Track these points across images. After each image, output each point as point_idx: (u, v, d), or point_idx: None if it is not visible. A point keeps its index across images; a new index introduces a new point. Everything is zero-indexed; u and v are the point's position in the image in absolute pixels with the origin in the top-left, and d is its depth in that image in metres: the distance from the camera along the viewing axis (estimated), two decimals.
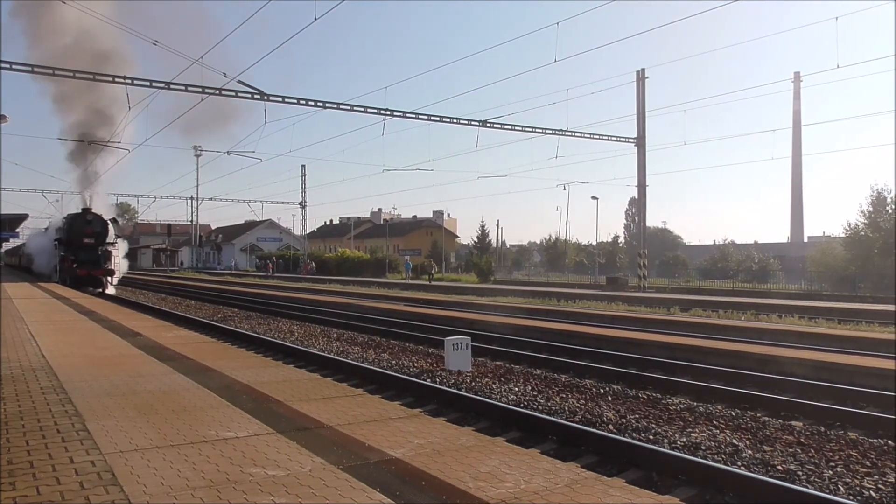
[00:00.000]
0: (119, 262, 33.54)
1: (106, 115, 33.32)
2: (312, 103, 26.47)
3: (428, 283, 42.53)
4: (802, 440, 6.85)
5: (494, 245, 77.22)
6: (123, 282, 37.55)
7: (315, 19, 19.22)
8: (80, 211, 33.01)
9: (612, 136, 32.68)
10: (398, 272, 59.72)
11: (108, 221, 32.86)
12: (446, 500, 3.44)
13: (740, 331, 14.58)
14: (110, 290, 31.22)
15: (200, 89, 23.95)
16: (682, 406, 8.44)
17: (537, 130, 31.16)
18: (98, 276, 30.95)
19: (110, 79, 23.10)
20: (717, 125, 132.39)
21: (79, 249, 30.99)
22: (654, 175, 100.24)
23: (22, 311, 14.85)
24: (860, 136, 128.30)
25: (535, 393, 9.17)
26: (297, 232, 76.59)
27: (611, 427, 7.31)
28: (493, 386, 9.61)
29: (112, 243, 32.46)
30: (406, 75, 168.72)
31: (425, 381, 9.77)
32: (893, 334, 13.23)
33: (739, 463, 6.10)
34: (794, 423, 7.64)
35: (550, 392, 9.24)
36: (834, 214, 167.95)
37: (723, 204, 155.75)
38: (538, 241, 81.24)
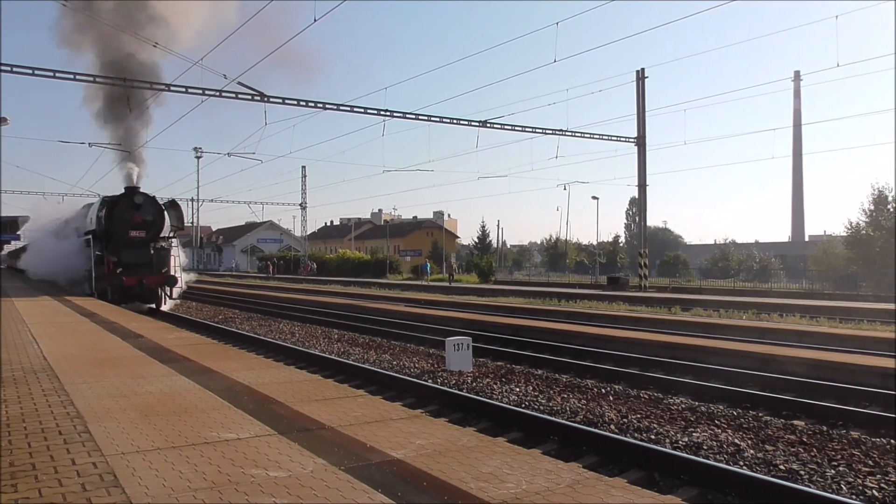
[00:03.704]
0: (179, 267, 23.42)
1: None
2: (312, 104, 26.47)
3: (448, 284, 41.96)
4: (804, 439, 6.84)
5: (495, 245, 77.23)
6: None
7: (315, 20, 19.24)
8: (122, 192, 22.77)
9: (612, 136, 32.65)
10: (399, 273, 59.73)
11: (163, 207, 23.10)
12: (448, 500, 3.44)
13: (742, 330, 14.57)
14: (167, 306, 22.46)
15: (201, 91, 23.95)
16: (683, 406, 8.44)
17: (537, 130, 31.14)
18: (152, 287, 21.79)
19: (110, 81, 23.07)
20: (717, 124, 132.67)
21: (123, 247, 21.63)
22: (654, 175, 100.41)
23: (23, 313, 14.85)
24: (861, 135, 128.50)
25: (536, 393, 9.17)
26: (298, 233, 76.66)
27: (612, 427, 7.31)
28: (495, 386, 9.60)
29: (169, 237, 23.07)
30: (406, 76, 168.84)
31: (426, 381, 9.78)
32: (895, 333, 13.21)
33: (741, 463, 6.10)
34: (796, 422, 7.63)
35: (552, 392, 9.23)
36: (835, 213, 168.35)
37: (723, 203, 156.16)
38: (539, 242, 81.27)
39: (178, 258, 23.12)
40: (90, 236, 22.47)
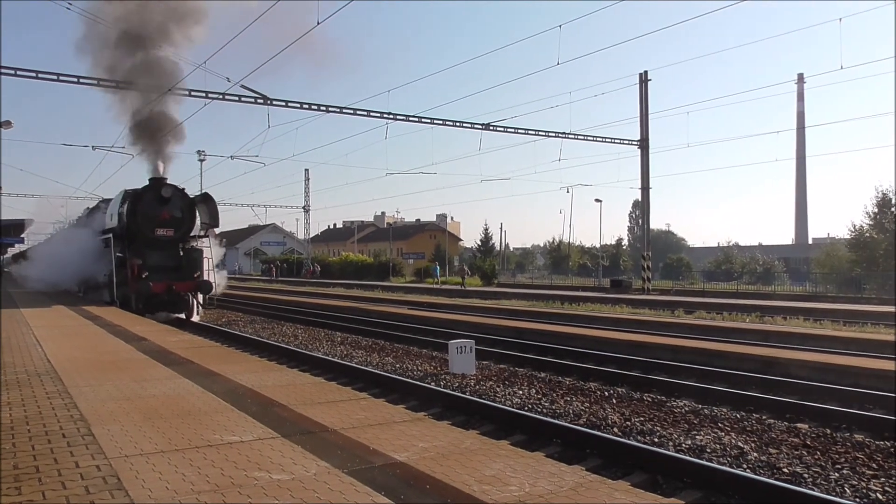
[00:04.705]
0: (213, 270, 20.27)
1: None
2: (315, 107, 26.54)
3: (461, 287, 40.82)
4: (808, 442, 6.83)
5: (498, 248, 77.21)
6: None
7: (318, 23, 19.20)
8: (147, 184, 19.49)
9: (615, 139, 32.71)
10: (402, 275, 59.75)
11: (194, 200, 20.24)
12: (451, 503, 3.44)
13: (745, 333, 14.54)
14: (197, 317, 19.61)
15: (204, 94, 24.02)
16: (686, 409, 8.43)
17: (540, 133, 31.18)
18: (181, 294, 18.85)
19: (114, 84, 23.13)
20: (720, 127, 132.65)
21: (148, 248, 18.78)
22: (657, 177, 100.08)
23: (27, 316, 14.88)
24: (864, 137, 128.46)
25: (539, 396, 9.17)
26: (301, 236, 76.75)
27: (615, 430, 7.30)
28: (498, 389, 9.60)
29: (201, 236, 20.29)
30: (409, 79, 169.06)
31: (429, 384, 9.78)
32: (894, 335, 13.18)
33: (745, 465, 6.08)
34: (799, 425, 7.61)
35: (555, 395, 9.23)
36: (839, 216, 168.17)
37: (727, 206, 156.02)
38: (542, 244, 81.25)
39: (211, 260, 20.05)
40: (110, 235, 19.52)
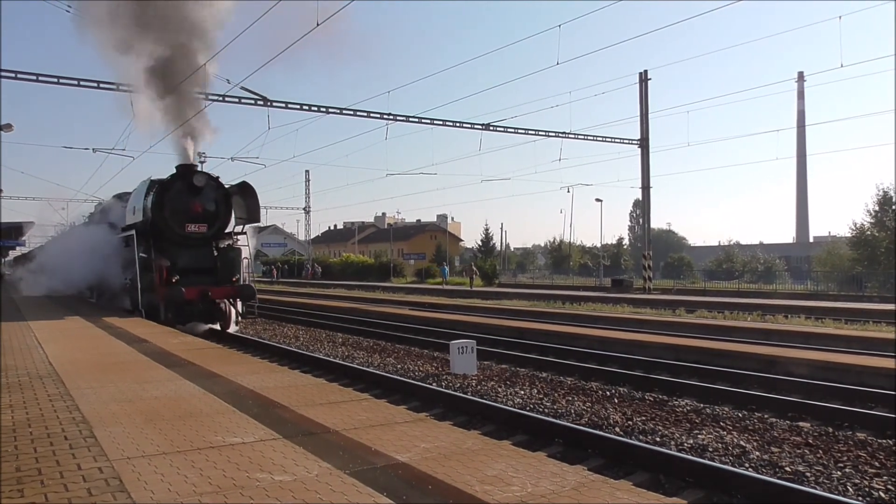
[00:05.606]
0: (250, 272, 17.60)
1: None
2: (315, 109, 26.55)
3: (468, 288, 40.25)
4: (810, 441, 6.82)
5: (498, 248, 77.19)
6: None
7: (318, 24, 19.13)
8: (174, 172, 16.42)
9: (615, 138, 32.71)
10: (403, 276, 59.78)
11: (229, 191, 16.98)
12: (453, 503, 3.44)
13: (746, 332, 14.53)
14: (234, 327, 16.43)
15: (204, 95, 24.00)
16: (688, 408, 8.42)
17: (541, 133, 31.19)
18: (217, 302, 15.82)
19: (115, 86, 23.14)
20: (720, 126, 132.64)
21: (177, 247, 16.01)
22: (658, 176, 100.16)
23: (29, 317, 14.88)
24: (865, 135, 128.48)
25: (541, 396, 9.16)
26: (302, 237, 76.81)
27: (617, 429, 7.30)
28: (499, 389, 9.60)
29: (238, 234, 17.26)
30: (409, 79, 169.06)
31: (431, 384, 9.78)
32: (894, 333, 13.16)
33: (747, 464, 6.08)
34: (801, 424, 7.61)
35: (556, 395, 9.22)
36: (840, 214, 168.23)
37: (727, 205, 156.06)
38: (542, 244, 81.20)
39: (249, 260, 17.36)
40: (132, 233, 16.46)
